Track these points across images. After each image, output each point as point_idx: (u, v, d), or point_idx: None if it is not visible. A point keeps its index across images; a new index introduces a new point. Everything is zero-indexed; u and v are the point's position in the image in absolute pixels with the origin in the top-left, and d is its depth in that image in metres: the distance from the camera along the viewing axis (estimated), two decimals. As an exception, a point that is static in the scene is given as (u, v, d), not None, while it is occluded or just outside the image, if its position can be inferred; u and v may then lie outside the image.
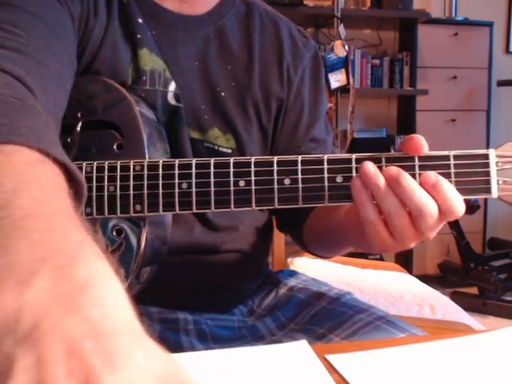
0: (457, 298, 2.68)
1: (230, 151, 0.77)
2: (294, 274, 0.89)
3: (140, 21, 0.73)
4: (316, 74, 0.86)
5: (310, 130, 0.83)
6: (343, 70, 2.90)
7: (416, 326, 0.69)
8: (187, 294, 0.77)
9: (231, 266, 0.80)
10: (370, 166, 0.54)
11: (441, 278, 3.09)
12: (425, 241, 0.56)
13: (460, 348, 0.53)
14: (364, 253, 3.06)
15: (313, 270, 1.52)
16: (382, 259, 3.08)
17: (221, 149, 0.76)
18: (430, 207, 0.52)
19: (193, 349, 0.73)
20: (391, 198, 0.53)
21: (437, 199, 0.53)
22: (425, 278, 1.85)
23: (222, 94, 0.76)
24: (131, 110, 0.64)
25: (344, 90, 2.95)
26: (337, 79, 2.90)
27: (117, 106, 0.65)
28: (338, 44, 2.90)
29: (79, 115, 0.65)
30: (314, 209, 0.77)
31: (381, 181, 0.53)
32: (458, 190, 0.54)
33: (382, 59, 3.24)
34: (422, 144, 0.55)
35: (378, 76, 3.23)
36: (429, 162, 0.55)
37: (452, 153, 0.55)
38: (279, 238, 1.38)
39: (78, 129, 0.65)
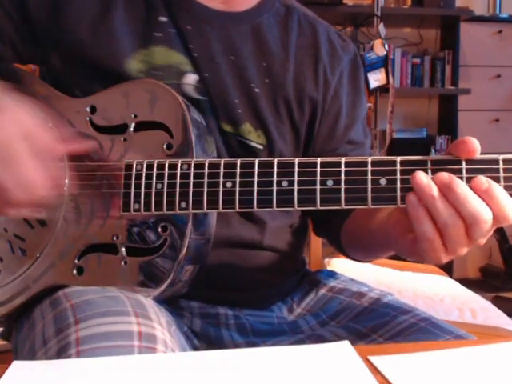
0: (499, 302, 2.60)
1: (261, 147, 0.77)
2: (333, 274, 0.89)
3: (162, 19, 0.75)
4: (355, 77, 0.86)
5: (348, 132, 0.83)
6: (383, 70, 2.86)
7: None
8: (226, 289, 0.78)
9: (267, 263, 0.80)
10: (422, 177, 0.53)
11: (482, 282, 3.02)
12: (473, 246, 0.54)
13: (506, 353, 0.51)
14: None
15: (350, 271, 1.51)
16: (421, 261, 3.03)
17: (252, 144, 0.77)
18: (485, 214, 0.51)
19: (233, 342, 0.75)
20: (448, 209, 0.51)
21: (490, 205, 0.51)
22: (465, 282, 1.81)
23: (256, 90, 0.77)
24: (180, 111, 0.66)
25: (383, 89, 2.92)
26: (376, 78, 2.86)
27: (167, 107, 0.67)
28: (377, 43, 2.86)
29: (132, 116, 0.68)
30: (351, 212, 0.76)
31: (435, 191, 0.52)
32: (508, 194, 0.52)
33: (423, 58, 3.19)
34: (475, 148, 0.53)
35: (419, 75, 3.18)
36: (476, 166, 0.54)
37: (501, 157, 0.53)
38: (316, 239, 1.37)
39: (132, 129, 0.68)
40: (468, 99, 3.11)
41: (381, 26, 2.89)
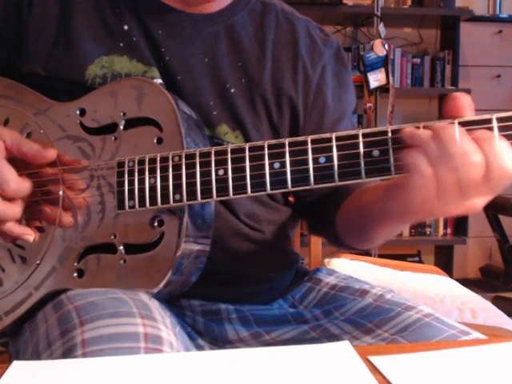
0: (499, 302, 2.60)
1: None
2: (332, 272, 0.89)
3: (126, 28, 0.75)
4: (339, 72, 0.85)
5: (335, 127, 0.82)
6: (383, 70, 2.86)
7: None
8: (224, 284, 0.78)
9: (260, 257, 0.80)
10: (409, 128, 0.53)
11: (482, 282, 3.02)
12: (468, 212, 0.53)
13: (506, 353, 0.51)
14: (403, 254, 3.00)
15: (350, 270, 1.51)
16: (421, 261, 3.03)
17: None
18: (476, 155, 0.50)
19: (238, 335, 0.75)
20: (438, 144, 0.51)
21: (487, 153, 0.50)
22: (465, 282, 1.81)
23: (232, 90, 0.77)
24: (168, 104, 0.66)
25: (383, 89, 2.92)
26: (376, 79, 2.87)
27: (154, 102, 0.67)
28: (377, 43, 2.86)
29: (121, 114, 0.68)
30: (344, 199, 0.76)
31: (426, 133, 0.52)
32: None
33: (423, 58, 3.19)
34: (465, 103, 0.52)
35: (419, 75, 3.18)
36: (470, 127, 0.52)
37: (494, 116, 0.52)
38: (316, 239, 1.38)
39: (121, 127, 0.67)
40: (468, 99, 3.11)
41: (381, 26, 2.89)
